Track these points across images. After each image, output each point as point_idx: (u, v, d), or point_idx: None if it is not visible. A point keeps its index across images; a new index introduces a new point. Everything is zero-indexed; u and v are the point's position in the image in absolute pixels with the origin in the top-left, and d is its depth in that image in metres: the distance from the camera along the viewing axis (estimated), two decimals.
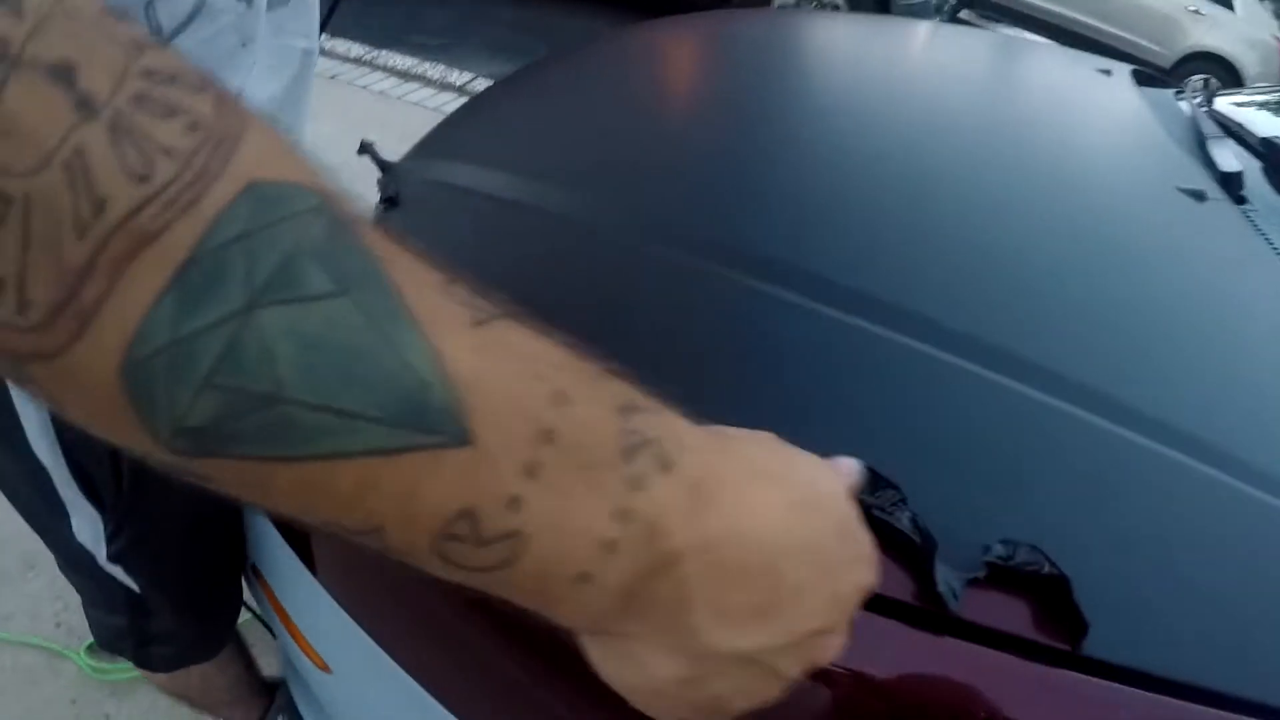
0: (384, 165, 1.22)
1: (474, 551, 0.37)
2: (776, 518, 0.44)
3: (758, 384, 0.87)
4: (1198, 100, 1.84)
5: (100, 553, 1.16)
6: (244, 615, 1.47)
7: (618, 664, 0.46)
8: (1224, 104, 1.87)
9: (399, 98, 5.00)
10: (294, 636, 1.14)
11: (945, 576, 0.70)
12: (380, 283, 0.34)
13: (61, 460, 1.05)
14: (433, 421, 0.34)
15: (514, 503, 0.36)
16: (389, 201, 1.16)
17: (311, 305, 0.32)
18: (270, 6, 0.92)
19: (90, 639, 1.96)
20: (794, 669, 0.47)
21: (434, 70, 5.28)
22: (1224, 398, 0.96)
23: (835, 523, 0.47)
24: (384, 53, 5.45)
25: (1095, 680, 0.70)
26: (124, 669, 1.95)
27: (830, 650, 0.49)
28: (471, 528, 0.36)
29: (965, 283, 1.03)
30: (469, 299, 0.37)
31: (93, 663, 2.01)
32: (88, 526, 1.14)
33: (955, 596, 0.69)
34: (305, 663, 1.15)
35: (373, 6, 6.25)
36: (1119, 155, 1.46)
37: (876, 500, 0.74)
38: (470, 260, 1.03)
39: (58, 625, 2.10)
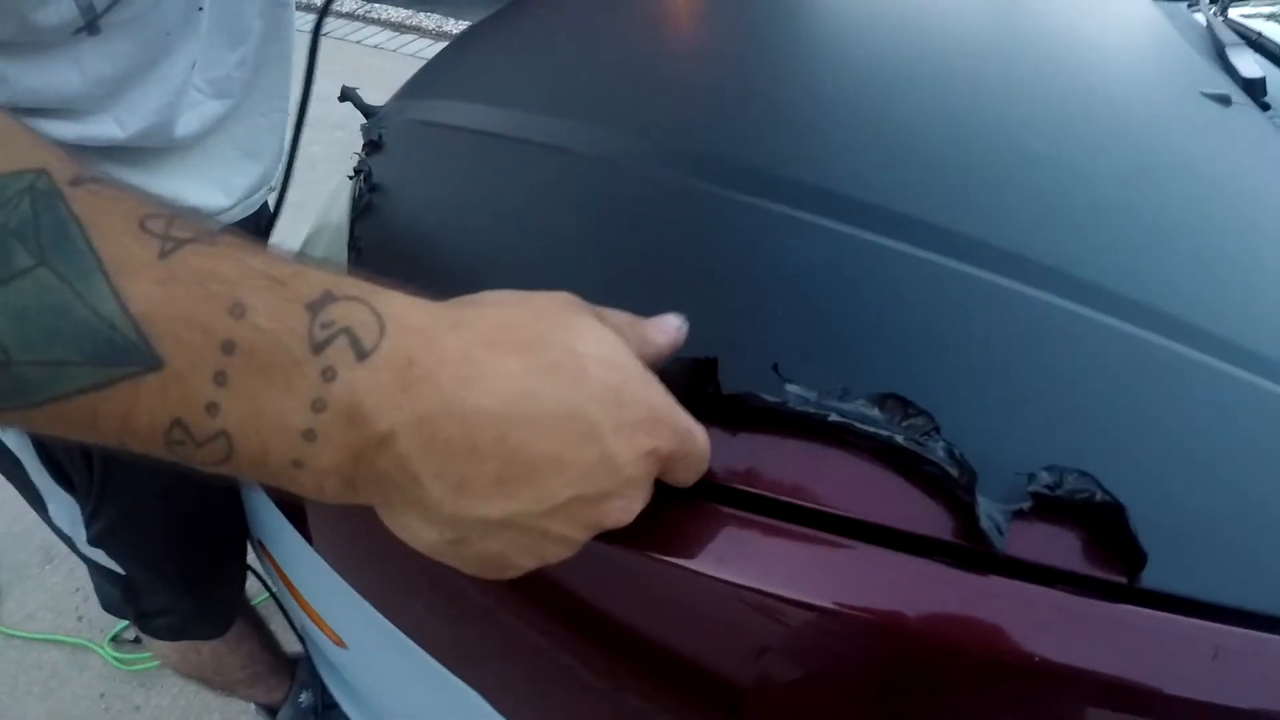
0: (367, 110, 1.21)
1: (197, 451, 0.43)
2: (509, 388, 0.47)
3: (769, 305, 0.82)
4: (1213, 10, 1.78)
5: (80, 537, 1.16)
6: (262, 594, 1.47)
7: (393, 525, 0.51)
8: (1237, 14, 1.81)
9: (395, 50, 4.96)
10: (308, 613, 1.13)
11: (988, 510, 0.64)
12: (75, 245, 0.40)
13: (30, 448, 1.06)
14: (124, 355, 0.40)
15: (212, 408, 0.42)
16: (371, 145, 1.13)
17: (17, 280, 0.39)
18: None
19: (114, 628, 2.06)
20: (571, 531, 0.51)
21: (429, 21, 5.23)
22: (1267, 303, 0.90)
23: (598, 387, 0.49)
24: (378, 6, 5.41)
25: (1157, 613, 0.64)
26: (147, 658, 2.00)
27: (617, 513, 0.53)
28: (185, 433, 0.42)
29: (993, 196, 0.97)
30: (163, 231, 0.42)
31: (117, 654, 2.05)
32: (64, 512, 1.14)
33: (1001, 532, 0.63)
34: (322, 637, 1.14)
35: None
36: (1139, 65, 1.40)
37: (905, 429, 0.68)
38: (459, 195, 1.02)
39: (79, 618, 2.13)
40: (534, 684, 0.85)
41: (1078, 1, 1.61)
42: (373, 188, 1.04)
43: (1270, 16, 1.91)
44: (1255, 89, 1.36)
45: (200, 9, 0.85)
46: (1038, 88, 1.24)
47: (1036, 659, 0.63)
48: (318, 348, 0.43)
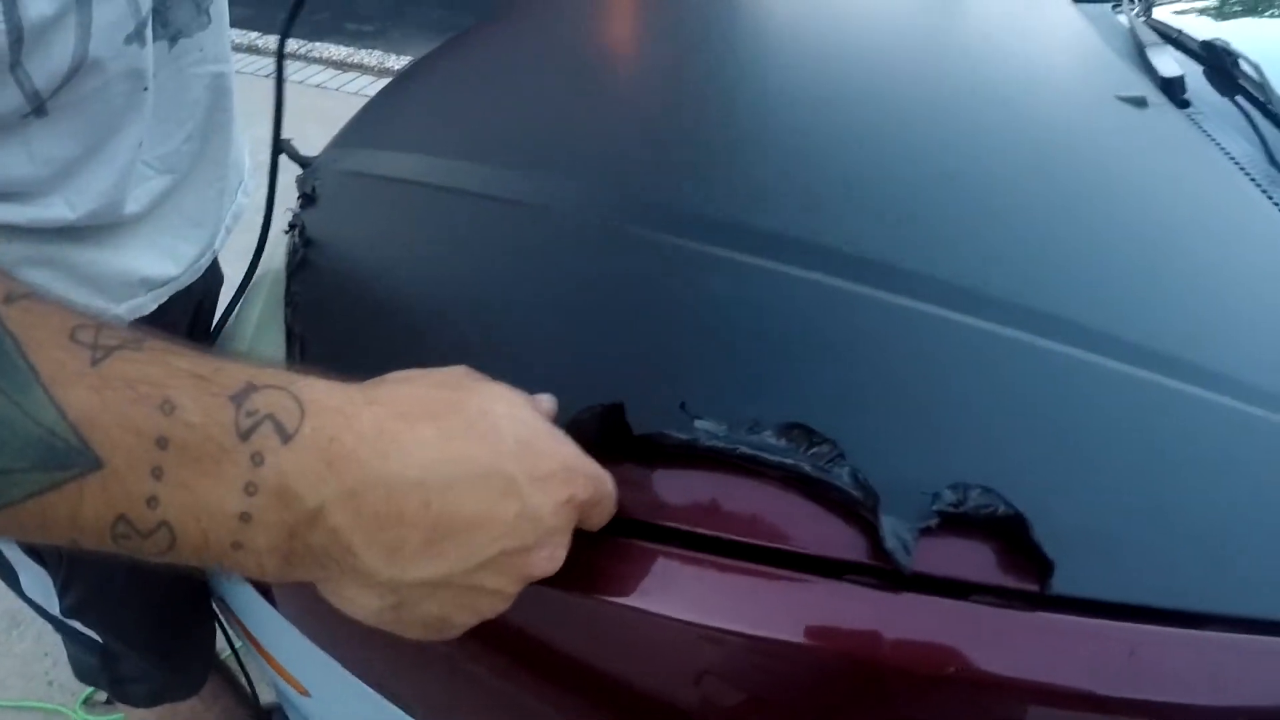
0: (302, 161, 1.21)
1: (143, 543, 0.46)
2: (430, 456, 0.50)
3: (677, 341, 0.85)
4: (1135, 11, 1.81)
5: (54, 607, 1.16)
6: (239, 641, 1.46)
7: (335, 599, 0.53)
8: (1163, 13, 1.83)
9: (337, 89, 4.94)
10: (269, 662, 1.13)
11: (894, 529, 0.66)
12: (13, 361, 0.43)
13: None
14: (66, 459, 0.43)
15: (152, 501, 0.44)
16: (305, 199, 1.14)
17: None
18: (174, 40, 0.90)
19: (85, 692, 2.02)
20: (503, 584, 0.54)
21: (371, 57, 5.20)
22: (1180, 306, 0.92)
23: (512, 443, 0.53)
24: (318, 44, 5.37)
25: (1070, 618, 0.66)
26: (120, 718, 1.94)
27: (544, 563, 0.55)
28: (129, 527, 0.45)
29: (897, 215, 0.99)
30: (92, 340, 0.45)
31: (90, 718, 2.02)
32: (37, 584, 1.14)
33: (907, 550, 0.65)
34: (287, 687, 1.14)
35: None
36: (1056, 71, 1.43)
37: (810, 458, 0.70)
38: (393, 247, 1.03)
39: (50, 683, 2.10)
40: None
41: (997, 7, 1.64)
42: (307, 242, 1.05)
43: (1201, 11, 1.95)
44: (1174, 88, 1.38)
45: (145, 89, 0.84)
46: (949, 100, 1.26)
47: (951, 670, 0.64)
48: (244, 435, 0.46)
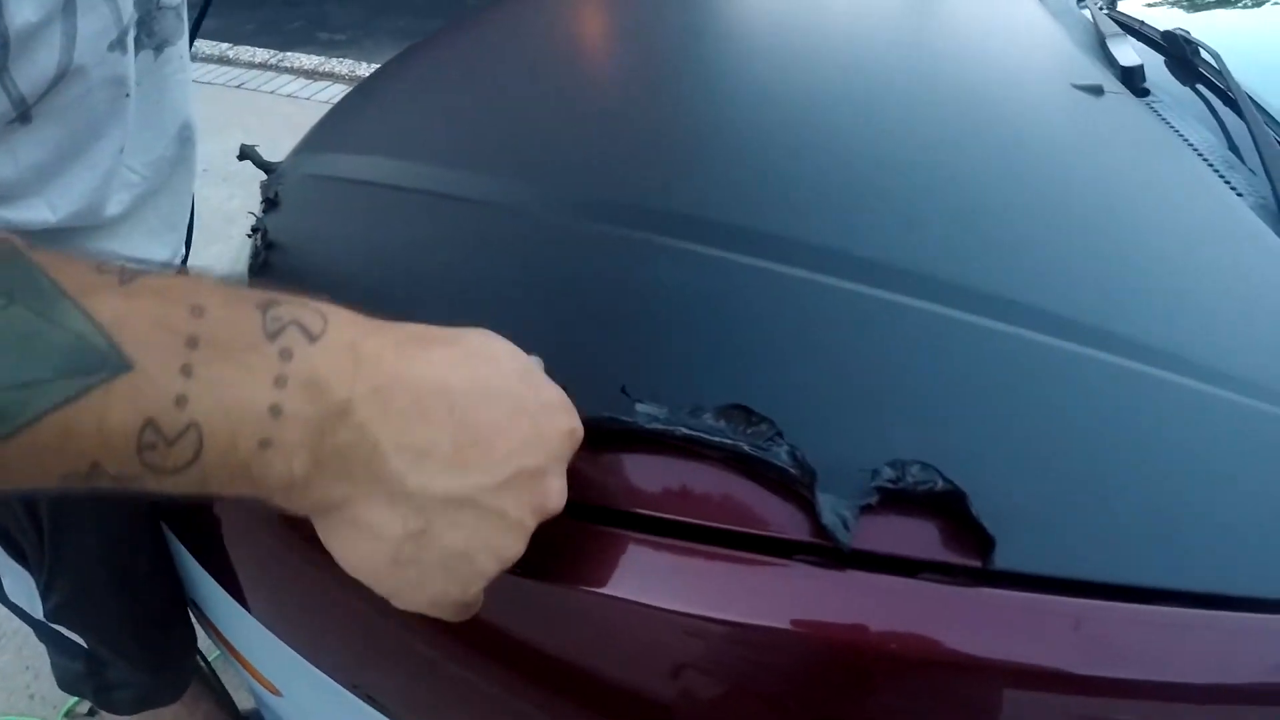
0: (266, 167, 1.22)
1: (168, 452, 0.44)
2: (445, 366, 0.52)
3: (620, 328, 0.86)
4: (1098, 4, 1.82)
5: (38, 610, 1.16)
6: (213, 653, 1.47)
7: (352, 538, 0.52)
8: (1127, 5, 1.85)
9: (309, 98, 4.94)
10: (242, 664, 1.14)
11: (832, 507, 0.66)
12: (40, 284, 0.43)
13: None
14: (94, 362, 0.42)
15: (181, 400, 0.44)
16: (268, 202, 1.15)
17: None
18: (159, 49, 0.93)
19: (67, 703, 2.01)
20: (521, 512, 0.53)
21: (342, 66, 5.20)
22: (1132, 287, 0.92)
23: (515, 371, 0.55)
24: (290, 54, 5.38)
25: (1011, 593, 0.66)
26: None
27: (553, 494, 0.56)
28: (157, 433, 0.44)
29: (846, 200, 1.00)
30: (118, 270, 0.46)
31: None
32: (21, 587, 1.15)
33: (846, 527, 0.65)
34: (260, 688, 1.15)
35: (275, 10, 6.18)
36: (1017, 61, 1.43)
37: (749, 437, 0.70)
38: (353, 248, 1.04)
39: (31, 696, 2.09)
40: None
41: (959, 6, 1.65)
42: (268, 245, 1.05)
43: (1174, 3, 1.97)
44: (1133, 77, 1.39)
45: (127, 95, 0.86)
46: (907, 90, 1.26)
47: (893, 647, 0.65)
48: (272, 336, 0.46)
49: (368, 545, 0.52)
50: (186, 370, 0.44)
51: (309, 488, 0.49)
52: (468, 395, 0.51)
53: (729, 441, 0.70)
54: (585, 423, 0.67)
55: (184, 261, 1.17)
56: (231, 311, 0.46)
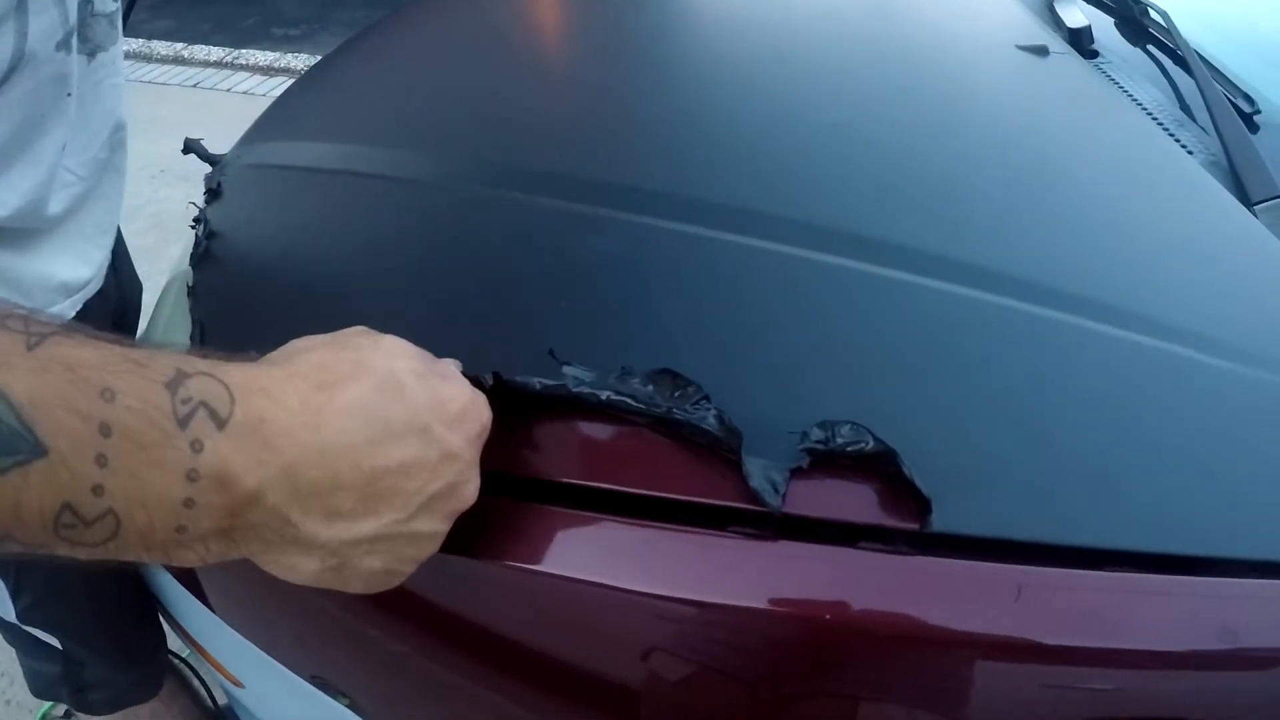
0: (211, 159, 1.24)
1: (86, 532, 0.45)
2: (354, 420, 0.52)
3: (551, 295, 0.86)
4: None
5: (10, 614, 1.16)
6: (185, 650, 1.47)
7: (275, 568, 0.54)
8: None
9: (265, 94, 4.86)
10: (205, 657, 1.14)
11: (762, 470, 0.64)
12: None
13: None
14: (10, 444, 0.41)
15: (98, 489, 0.44)
16: (211, 193, 1.16)
17: None
18: (92, 55, 0.94)
19: (43, 708, 1.99)
20: (434, 525, 0.57)
21: (298, 61, 5.15)
22: (1090, 246, 0.91)
23: (421, 394, 0.56)
24: (245, 51, 5.33)
25: (953, 561, 0.65)
26: None
27: (468, 495, 0.59)
28: (75, 515, 0.44)
29: (799, 163, 1.00)
30: (24, 327, 0.44)
31: None
32: None
33: (776, 490, 0.63)
34: (224, 679, 1.16)
35: (228, 7, 6.14)
36: (962, 23, 1.42)
37: (675, 400, 0.69)
38: (291, 232, 1.03)
39: (7, 702, 2.08)
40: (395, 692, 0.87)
41: None
42: (210, 235, 1.04)
43: None
44: (1080, 38, 1.39)
45: (69, 94, 0.88)
46: (843, 51, 1.26)
47: (828, 617, 0.63)
48: (183, 422, 0.46)
49: (293, 574, 0.54)
50: (101, 460, 0.44)
51: (225, 555, 0.51)
52: (374, 444, 0.53)
53: (656, 407, 0.69)
54: (512, 385, 0.69)
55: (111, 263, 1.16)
56: (141, 397, 0.45)
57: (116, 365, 0.45)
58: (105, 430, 0.44)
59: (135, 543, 0.47)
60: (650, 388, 0.70)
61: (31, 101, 0.83)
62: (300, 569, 0.54)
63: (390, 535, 0.55)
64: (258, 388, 0.50)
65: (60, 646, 1.23)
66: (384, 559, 0.56)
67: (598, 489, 0.70)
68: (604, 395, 0.70)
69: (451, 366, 0.64)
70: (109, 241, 1.10)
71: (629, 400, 0.70)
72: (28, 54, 0.78)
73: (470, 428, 0.59)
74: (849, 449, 0.66)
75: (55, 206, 0.93)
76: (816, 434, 0.66)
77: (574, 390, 0.71)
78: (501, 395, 0.70)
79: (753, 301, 0.82)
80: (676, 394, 0.69)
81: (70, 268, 1.00)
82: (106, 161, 1.04)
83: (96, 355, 0.45)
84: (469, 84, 1.28)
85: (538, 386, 0.71)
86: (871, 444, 0.65)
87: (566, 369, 0.72)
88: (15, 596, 1.13)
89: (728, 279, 0.84)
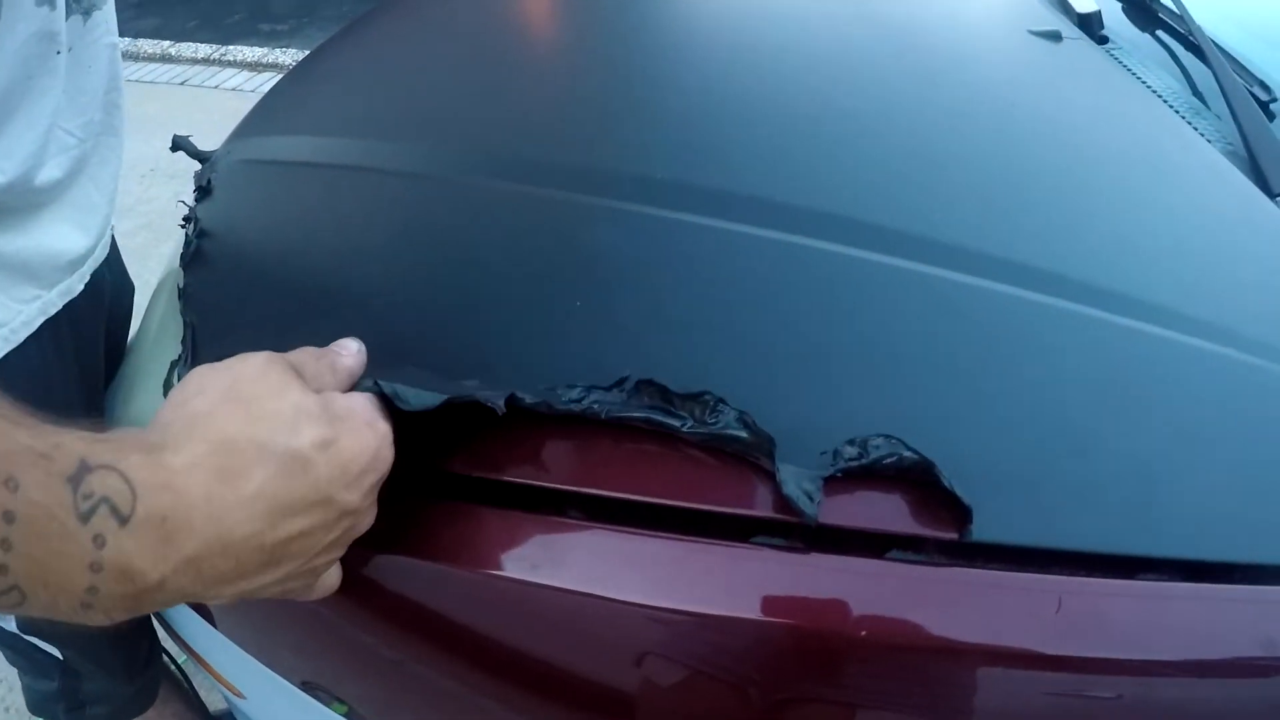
0: (201, 156, 1.21)
1: None
2: (257, 508, 0.53)
3: (560, 290, 0.83)
4: None
5: (10, 623, 1.16)
6: (181, 655, 1.45)
7: None
8: None
9: (254, 91, 4.85)
10: (205, 667, 1.12)
11: (794, 479, 0.61)
12: None
13: None
14: None
15: (3, 568, 0.45)
16: (201, 190, 1.13)
17: None
18: (87, 14, 0.94)
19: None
20: (336, 554, 0.62)
21: (285, 56, 5.13)
22: (1109, 239, 0.88)
23: (325, 469, 0.57)
24: (232, 48, 5.31)
25: (989, 572, 0.62)
26: None
27: (362, 529, 0.62)
28: None
29: (819, 154, 0.97)
30: None
31: None
32: None
33: (812, 499, 0.60)
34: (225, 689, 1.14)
35: (214, 4, 6.12)
36: (972, 8, 1.40)
37: (685, 415, 0.67)
38: (281, 228, 1.00)
39: (6, 709, 2.07)
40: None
41: None
42: (200, 234, 1.02)
43: None
44: (1090, 23, 1.36)
45: (59, 52, 0.88)
46: (854, 37, 1.23)
47: (863, 634, 0.61)
48: (84, 517, 0.47)
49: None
50: (5, 545, 0.45)
51: (133, 614, 0.52)
52: (278, 525, 0.54)
53: (678, 419, 0.67)
54: (527, 407, 0.68)
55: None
56: (44, 487, 0.46)
57: (22, 456, 0.46)
58: (9, 517, 0.44)
59: (41, 611, 0.48)
60: (657, 400, 0.68)
61: (18, 62, 0.83)
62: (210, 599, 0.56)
63: (287, 583, 0.58)
64: (160, 483, 0.50)
65: (60, 657, 1.22)
66: (286, 591, 0.60)
67: (610, 499, 0.67)
68: (630, 414, 0.68)
69: (357, 400, 0.63)
70: (109, 208, 1.09)
71: (652, 416, 0.68)
72: (5, 13, 0.78)
73: (370, 479, 0.61)
74: (885, 461, 0.63)
75: (54, 171, 0.93)
76: (849, 451, 0.64)
77: (591, 410, 0.68)
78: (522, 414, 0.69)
79: (771, 298, 0.79)
80: (679, 409, 0.67)
81: (70, 237, 1.00)
82: (103, 123, 1.03)
83: (5, 443, 0.46)
84: (462, 75, 1.26)
85: (556, 407, 0.69)
86: (907, 455, 0.63)
87: (564, 391, 0.70)
88: None
89: (745, 274, 0.81)
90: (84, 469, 0.48)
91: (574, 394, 0.69)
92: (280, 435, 0.56)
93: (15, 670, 1.31)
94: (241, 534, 0.53)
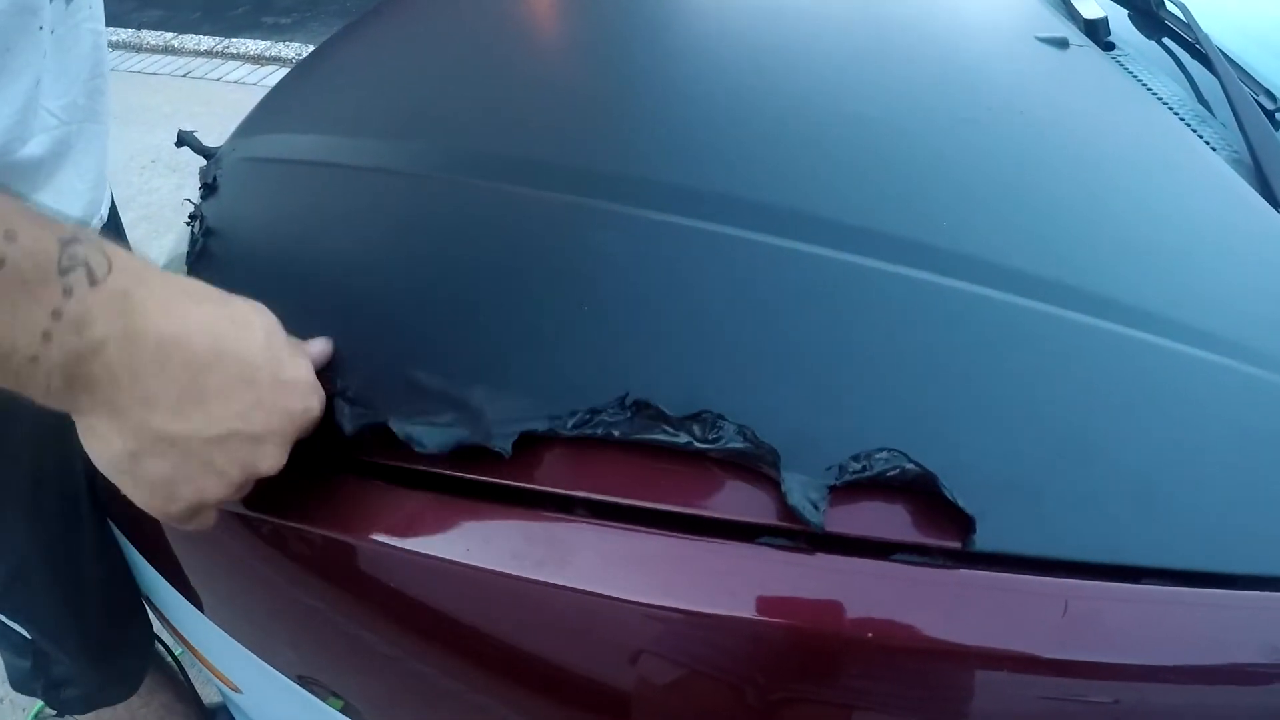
0: (205, 152, 1.22)
1: None
2: (198, 326, 0.60)
3: (567, 294, 0.83)
4: None
5: None
6: (177, 647, 1.45)
7: (90, 439, 0.61)
8: None
9: (256, 84, 4.86)
10: (200, 660, 1.13)
11: (800, 488, 0.62)
12: None
13: None
14: None
15: None
16: (206, 188, 1.13)
17: None
18: (68, 0, 0.95)
19: (36, 706, 1.98)
20: (227, 465, 0.63)
21: (289, 50, 5.13)
22: (1119, 247, 0.88)
23: (263, 341, 0.63)
24: (235, 40, 5.30)
25: (997, 574, 0.63)
26: None
27: (266, 459, 0.64)
28: None
29: (827, 163, 0.96)
30: None
31: None
32: None
33: (816, 508, 0.61)
34: (220, 683, 1.15)
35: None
36: (979, 13, 1.40)
37: (684, 430, 0.67)
38: (294, 231, 1.00)
39: (0, 700, 2.07)
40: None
41: None
42: (206, 232, 1.02)
43: None
44: (1097, 30, 1.36)
45: (40, 28, 0.88)
46: (860, 42, 1.23)
47: (869, 636, 0.61)
48: (63, 271, 0.53)
49: (98, 447, 0.61)
50: None
51: (60, 398, 0.57)
52: (205, 355, 0.60)
53: (679, 437, 0.67)
54: (540, 436, 0.70)
55: (105, 227, 1.17)
56: (38, 239, 0.53)
57: (23, 216, 0.53)
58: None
59: None
60: (657, 421, 0.69)
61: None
62: (106, 442, 0.60)
63: (184, 448, 0.61)
64: (134, 269, 0.58)
65: (29, 637, 1.21)
66: (174, 469, 0.61)
67: (617, 504, 0.68)
68: (640, 436, 0.69)
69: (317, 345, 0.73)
70: (93, 195, 1.09)
71: (659, 437, 0.68)
72: None
73: (293, 401, 0.65)
74: (889, 474, 0.63)
75: (34, 149, 0.93)
76: (853, 465, 0.64)
77: (605, 434, 0.69)
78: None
79: (776, 306, 0.79)
80: (677, 428, 0.68)
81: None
82: (87, 109, 1.03)
83: (10, 204, 0.53)
84: (468, 74, 1.25)
85: (564, 434, 0.70)
86: (910, 467, 0.63)
87: (568, 418, 0.71)
88: None
89: (749, 281, 0.81)
90: (75, 239, 0.55)
91: (577, 418, 0.70)
92: (245, 305, 0.65)
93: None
94: (176, 336, 0.58)
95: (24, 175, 0.94)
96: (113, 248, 0.57)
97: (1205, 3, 1.40)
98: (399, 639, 0.75)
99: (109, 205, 1.17)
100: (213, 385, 0.60)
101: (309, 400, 0.67)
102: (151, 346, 0.58)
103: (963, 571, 0.63)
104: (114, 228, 1.23)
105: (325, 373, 0.73)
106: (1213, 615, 0.64)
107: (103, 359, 0.56)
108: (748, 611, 0.62)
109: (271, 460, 0.65)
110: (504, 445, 0.68)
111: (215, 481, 0.63)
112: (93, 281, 0.55)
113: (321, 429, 0.70)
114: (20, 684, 1.32)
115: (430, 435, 0.69)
